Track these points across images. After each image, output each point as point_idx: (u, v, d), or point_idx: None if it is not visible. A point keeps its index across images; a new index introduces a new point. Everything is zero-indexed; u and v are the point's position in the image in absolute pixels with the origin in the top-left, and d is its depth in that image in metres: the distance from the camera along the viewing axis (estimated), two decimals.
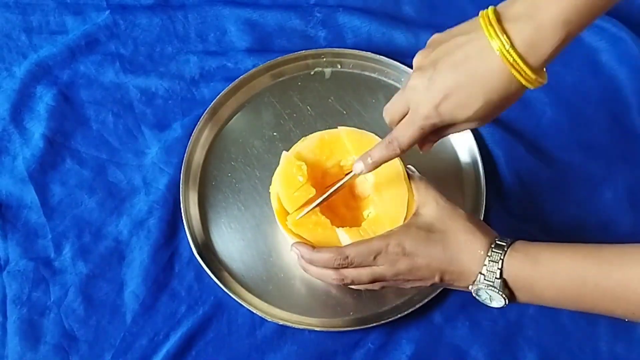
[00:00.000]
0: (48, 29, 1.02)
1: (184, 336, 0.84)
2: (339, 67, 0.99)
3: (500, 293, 0.68)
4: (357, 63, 0.98)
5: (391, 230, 0.73)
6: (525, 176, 0.92)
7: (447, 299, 0.86)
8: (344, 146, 0.82)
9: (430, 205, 0.74)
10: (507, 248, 0.69)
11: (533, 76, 0.60)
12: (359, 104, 0.95)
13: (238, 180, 0.91)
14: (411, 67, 0.94)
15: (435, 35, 0.68)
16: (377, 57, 0.97)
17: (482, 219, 0.87)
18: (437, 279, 0.72)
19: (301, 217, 0.77)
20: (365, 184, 0.84)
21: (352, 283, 0.75)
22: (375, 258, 0.72)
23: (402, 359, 0.84)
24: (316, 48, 0.99)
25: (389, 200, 0.79)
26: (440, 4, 1.04)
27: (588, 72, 0.99)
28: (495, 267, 0.68)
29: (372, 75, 0.98)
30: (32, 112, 0.96)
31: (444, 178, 0.92)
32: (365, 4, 1.04)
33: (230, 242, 0.88)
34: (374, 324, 0.82)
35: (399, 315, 0.82)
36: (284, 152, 0.81)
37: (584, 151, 0.94)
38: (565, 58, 0.98)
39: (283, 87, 0.97)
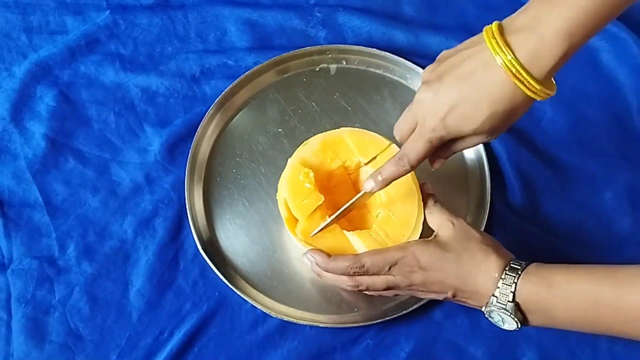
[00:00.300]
0: (48, 29, 1.01)
1: (188, 333, 0.84)
2: (344, 63, 0.99)
3: (513, 316, 0.69)
4: (362, 59, 0.99)
5: (408, 242, 0.74)
6: (526, 175, 0.92)
7: None
8: (347, 147, 0.83)
9: (446, 227, 0.75)
10: (521, 272, 0.69)
11: (537, 87, 0.61)
12: (364, 100, 0.96)
13: (243, 176, 0.91)
14: (415, 64, 0.96)
15: (444, 52, 0.69)
16: (383, 53, 0.97)
17: (486, 215, 0.88)
18: (449, 295, 0.73)
19: (315, 234, 0.78)
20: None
21: (367, 290, 0.76)
22: (390, 268, 0.72)
23: (401, 355, 0.84)
24: None
25: (399, 200, 0.79)
26: (440, 4, 1.04)
27: (588, 72, 0.99)
28: (509, 291, 0.68)
29: (377, 71, 0.99)
30: (33, 112, 0.95)
31: (450, 175, 0.92)
32: (365, 4, 1.04)
33: (235, 238, 0.88)
34: (374, 321, 0.83)
35: (402, 313, 0.83)
36: (289, 159, 0.82)
37: (584, 151, 0.94)
38: None
39: (288, 84, 0.97)
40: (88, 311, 0.85)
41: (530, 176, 0.92)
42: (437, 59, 0.69)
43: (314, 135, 0.84)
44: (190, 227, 0.87)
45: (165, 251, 0.88)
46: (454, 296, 0.73)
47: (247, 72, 0.96)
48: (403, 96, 0.97)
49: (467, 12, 1.03)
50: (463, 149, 0.71)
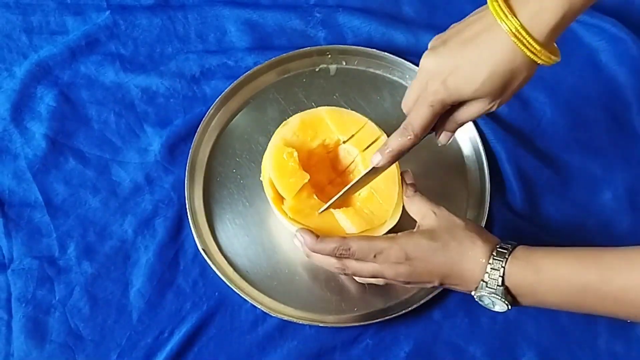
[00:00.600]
0: (48, 29, 1.01)
1: (188, 333, 0.84)
2: (344, 64, 0.99)
3: (503, 299, 0.69)
4: (362, 60, 0.99)
5: (396, 234, 0.74)
6: (526, 175, 0.92)
7: (446, 296, 0.87)
8: (326, 125, 0.83)
9: (429, 216, 0.75)
10: (509, 255, 0.69)
11: (538, 47, 0.61)
12: (364, 100, 0.96)
13: (243, 176, 0.92)
14: (415, 64, 0.96)
15: (453, 24, 0.70)
16: (382, 54, 0.97)
17: (485, 215, 0.88)
18: (437, 283, 0.73)
19: (323, 211, 0.78)
20: (348, 157, 0.85)
21: (354, 275, 0.76)
22: (375, 256, 0.72)
23: (401, 355, 0.84)
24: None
25: (380, 178, 0.80)
26: (440, 4, 1.04)
27: (588, 72, 0.99)
28: (497, 275, 0.69)
29: (377, 72, 0.99)
30: (33, 113, 0.95)
31: (449, 175, 0.93)
32: (365, 4, 1.04)
33: (235, 238, 0.89)
34: (374, 321, 0.83)
35: (402, 312, 0.83)
36: (271, 139, 0.82)
37: (584, 151, 0.94)
38: (565, 58, 0.99)
39: (288, 84, 0.97)
40: (88, 311, 0.85)
41: (530, 176, 0.92)
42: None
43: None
44: (190, 227, 0.87)
45: (165, 251, 0.88)
46: (441, 284, 0.73)
47: (247, 72, 0.96)
48: (402, 96, 0.95)
49: (466, 12, 1.02)
50: (467, 119, 0.70)
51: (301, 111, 0.84)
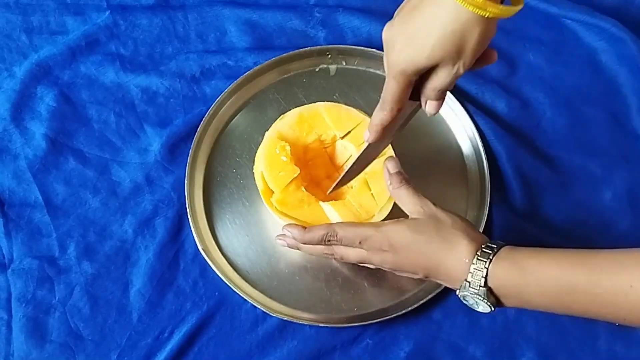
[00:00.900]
0: (48, 29, 1.01)
1: (188, 333, 0.85)
2: (344, 64, 0.99)
3: (486, 301, 0.68)
4: (362, 60, 0.99)
5: (382, 222, 0.74)
6: (526, 175, 0.92)
7: (446, 296, 0.87)
8: (323, 121, 0.84)
9: (416, 212, 0.75)
10: (493, 256, 0.68)
11: (480, 0, 0.58)
12: (364, 100, 0.96)
13: (243, 176, 0.92)
14: None
15: None
16: (382, 54, 0.95)
17: (485, 215, 0.88)
18: (421, 276, 0.73)
19: (331, 191, 0.80)
20: (345, 152, 0.85)
21: (342, 259, 0.77)
22: (360, 242, 0.73)
23: (401, 355, 0.84)
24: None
25: (379, 172, 0.80)
26: None
27: (588, 72, 0.99)
28: (480, 276, 0.68)
29: (377, 72, 0.99)
30: (33, 113, 0.95)
31: (449, 175, 0.93)
32: (365, 4, 1.04)
33: (235, 237, 0.89)
34: (374, 321, 0.83)
35: (402, 312, 0.83)
36: (266, 132, 0.82)
37: (584, 151, 0.95)
38: (565, 58, 1.00)
39: (288, 84, 0.97)
40: (88, 311, 0.85)
41: (530, 176, 0.92)
42: None
43: None
44: (190, 227, 0.88)
45: (165, 251, 0.88)
46: (426, 277, 0.73)
47: (247, 72, 0.96)
48: None
49: None
50: (441, 87, 0.67)
51: None
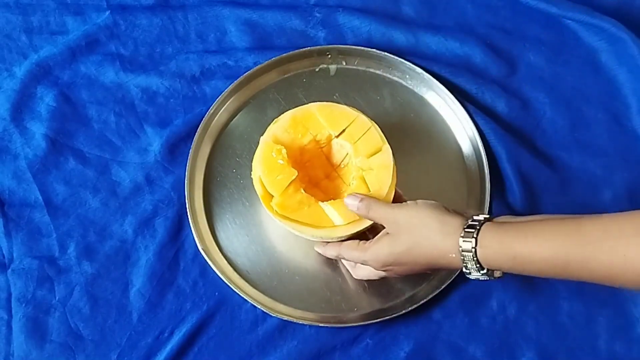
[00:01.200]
0: (48, 30, 1.01)
1: (188, 333, 0.85)
2: (344, 64, 0.99)
3: (487, 278, 0.70)
4: (362, 60, 0.99)
5: (367, 245, 0.75)
6: (526, 175, 0.92)
7: (447, 296, 0.87)
8: (317, 121, 0.84)
9: (391, 229, 0.74)
10: (476, 244, 0.67)
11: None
12: (364, 100, 0.96)
13: (243, 176, 0.92)
14: (415, 64, 0.96)
15: None
16: (382, 54, 0.97)
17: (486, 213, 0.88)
18: (429, 271, 0.77)
19: None
20: (341, 151, 0.85)
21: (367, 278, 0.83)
22: (363, 264, 0.77)
23: (401, 355, 0.85)
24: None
25: (375, 167, 0.80)
26: (440, 4, 1.04)
27: (588, 72, 0.99)
28: (473, 264, 0.68)
29: (377, 72, 0.99)
30: (33, 113, 0.96)
31: (449, 175, 0.93)
32: (365, 4, 1.04)
33: (235, 237, 0.89)
34: (374, 321, 0.83)
35: (402, 312, 0.83)
36: (261, 137, 0.82)
37: (584, 151, 0.94)
38: (565, 58, 1.00)
39: (288, 84, 0.97)
40: (88, 311, 0.85)
41: (530, 176, 0.92)
42: None
43: None
44: (190, 227, 0.88)
45: (165, 251, 0.88)
46: (432, 270, 0.77)
47: (247, 72, 0.96)
48: (402, 96, 0.97)
49: (466, 12, 1.03)
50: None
51: None
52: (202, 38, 1.01)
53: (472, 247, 0.67)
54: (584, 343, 0.85)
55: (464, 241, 0.67)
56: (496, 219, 0.71)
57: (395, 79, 0.98)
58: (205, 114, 0.93)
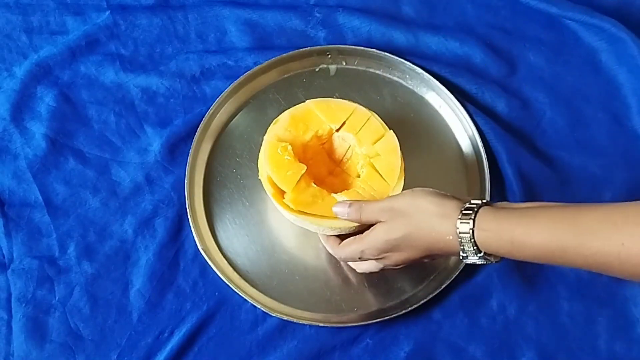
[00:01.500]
0: (48, 30, 1.01)
1: (188, 333, 0.85)
2: (344, 64, 0.99)
3: (490, 261, 0.70)
4: (362, 60, 0.99)
5: (363, 235, 0.75)
6: (526, 175, 0.92)
7: (447, 296, 0.87)
8: (316, 117, 0.84)
9: (388, 214, 0.73)
10: (474, 228, 0.67)
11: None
12: (364, 100, 0.95)
13: (243, 176, 0.92)
14: (415, 64, 0.96)
15: None
16: (382, 54, 0.97)
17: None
18: (427, 260, 0.76)
19: None
20: (343, 144, 0.86)
21: (368, 271, 0.82)
22: (360, 257, 0.76)
23: (401, 355, 0.84)
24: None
25: (382, 153, 0.81)
26: (440, 4, 1.04)
27: (588, 72, 0.99)
28: (472, 250, 0.68)
29: (377, 72, 0.99)
30: (33, 113, 0.96)
31: (449, 175, 0.93)
32: (365, 4, 1.04)
33: (235, 237, 0.89)
34: (374, 321, 0.83)
35: (402, 312, 0.83)
36: (264, 138, 0.82)
37: (584, 151, 0.95)
38: (565, 58, 1.00)
39: (288, 84, 0.97)
40: (88, 311, 0.85)
41: (530, 176, 0.92)
42: None
43: None
44: (190, 227, 0.88)
45: (165, 251, 0.88)
46: (432, 258, 0.76)
47: (247, 72, 0.96)
48: (403, 96, 0.97)
49: (466, 12, 1.04)
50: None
51: None
52: (202, 38, 1.01)
53: (470, 229, 0.66)
54: (584, 343, 0.85)
55: (461, 223, 0.67)
56: (494, 205, 0.70)
57: (395, 79, 0.98)
58: (205, 114, 0.93)
